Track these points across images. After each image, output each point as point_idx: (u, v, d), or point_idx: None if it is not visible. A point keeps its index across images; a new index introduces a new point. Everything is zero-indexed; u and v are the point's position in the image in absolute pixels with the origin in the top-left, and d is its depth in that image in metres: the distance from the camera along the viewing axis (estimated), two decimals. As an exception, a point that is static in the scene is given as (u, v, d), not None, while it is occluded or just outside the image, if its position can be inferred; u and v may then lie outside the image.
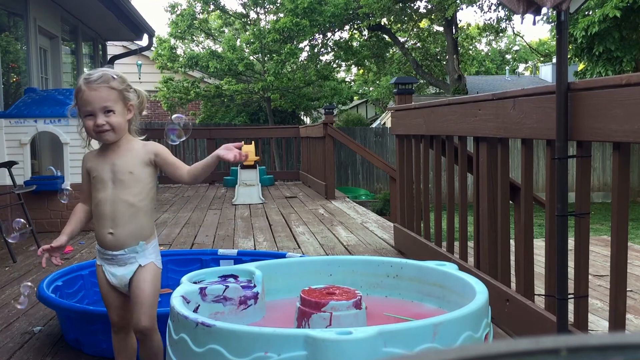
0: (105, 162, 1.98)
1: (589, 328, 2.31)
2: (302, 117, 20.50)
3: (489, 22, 19.95)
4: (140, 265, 1.98)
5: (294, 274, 2.03)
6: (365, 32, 20.51)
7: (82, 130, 1.99)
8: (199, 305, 1.74)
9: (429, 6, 19.35)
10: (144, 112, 2.10)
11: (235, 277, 1.89)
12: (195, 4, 17.44)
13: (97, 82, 1.91)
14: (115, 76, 1.93)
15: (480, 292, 1.60)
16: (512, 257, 2.86)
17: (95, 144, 2.06)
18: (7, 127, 5.51)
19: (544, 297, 2.46)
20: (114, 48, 12.87)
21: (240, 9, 18.06)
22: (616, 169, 2.04)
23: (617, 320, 2.02)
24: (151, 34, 10.76)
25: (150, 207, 2.01)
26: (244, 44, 16.96)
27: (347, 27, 19.54)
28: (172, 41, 17.21)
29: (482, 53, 35.78)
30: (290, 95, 16.63)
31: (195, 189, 10.16)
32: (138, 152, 1.98)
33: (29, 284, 2.17)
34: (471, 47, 27.54)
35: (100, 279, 2.04)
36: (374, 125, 20.64)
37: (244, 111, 17.72)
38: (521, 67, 39.14)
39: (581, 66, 14.04)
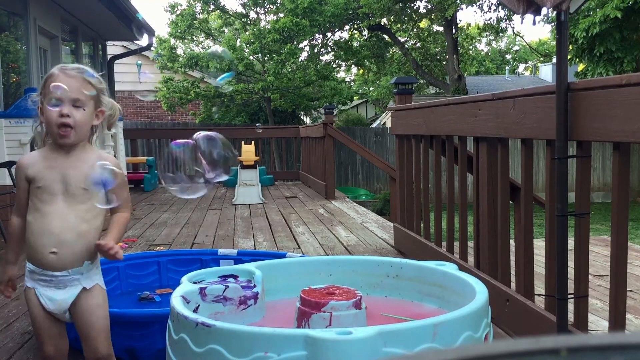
0: (55, 170, 1.73)
1: (589, 328, 2.31)
2: (302, 117, 20.50)
3: (489, 22, 19.94)
4: (84, 288, 1.77)
5: (294, 274, 2.03)
6: (365, 32, 20.50)
7: (38, 127, 1.77)
8: (199, 305, 1.74)
9: (429, 6, 19.35)
10: (112, 130, 1.87)
11: (235, 277, 1.88)
12: (195, 4, 17.44)
13: (75, 70, 1.72)
14: (95, 74, 1.77)
15: (480, 292, 1.60)
16: (512, 257, 2.86)
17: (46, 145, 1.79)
18: (7, 127, 5.51)
19: (544, 297, 2.46)
20: (114, 48, 12.87)
21: (240, 9, 18.06)
22: (616, 169, 2.04)
23: (617, 320, 2.02)
24: (151, 34, 10.77)
25: (101, 225, 1.79)
26: (244, 44, 16.96)
27: (347, 27, 19.53)
28: (172, 41, 17.21)
29: (482, 53, 35.77)
30: (290, 95, 16.63)
31: (195, 189, 10.14)
32: (93, 165, 1.73)
33: None
34: (471, 47, 27.54)
35: (32, 304, 1.79)
36: (374, 125, 20.64)
37: (244, 111, 17.71)
38: (521, 67, 39.16)
39: (581, 67, 14.03)
